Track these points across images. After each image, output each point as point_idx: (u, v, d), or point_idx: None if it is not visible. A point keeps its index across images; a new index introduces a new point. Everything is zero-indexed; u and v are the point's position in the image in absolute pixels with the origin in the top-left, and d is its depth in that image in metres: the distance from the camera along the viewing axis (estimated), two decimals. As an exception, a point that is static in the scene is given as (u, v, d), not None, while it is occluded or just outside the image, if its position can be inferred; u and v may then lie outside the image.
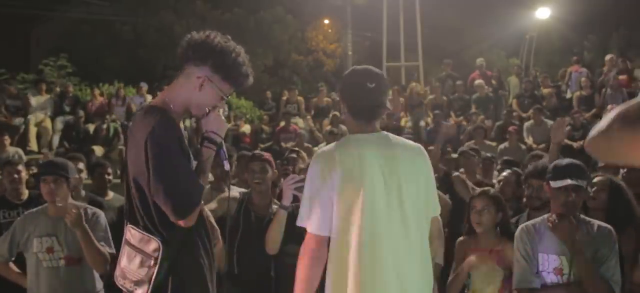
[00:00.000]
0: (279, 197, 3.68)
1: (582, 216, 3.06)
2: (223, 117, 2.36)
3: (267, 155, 3.88)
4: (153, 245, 2.18)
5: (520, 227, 3.18)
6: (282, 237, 3.38)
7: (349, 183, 2.21)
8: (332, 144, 2.38)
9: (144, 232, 2.20)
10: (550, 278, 2.99)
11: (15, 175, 4.15)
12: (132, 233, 2.25)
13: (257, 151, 4.35)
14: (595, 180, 3.57)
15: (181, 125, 2.35)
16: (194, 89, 2.24)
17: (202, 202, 2.25)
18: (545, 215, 3.08)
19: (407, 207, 2.26)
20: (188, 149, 2.20)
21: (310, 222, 2.27)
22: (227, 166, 2.40)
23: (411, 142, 2.44)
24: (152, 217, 2.18)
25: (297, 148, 5.45)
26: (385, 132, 2.38)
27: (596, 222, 3.03)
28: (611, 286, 2.86)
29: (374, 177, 2.23)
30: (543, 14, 21.33)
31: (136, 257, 2.21)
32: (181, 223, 2.13)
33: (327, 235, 2.26)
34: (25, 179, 4.28)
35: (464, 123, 10.99)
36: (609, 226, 2.99)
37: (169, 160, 2.09)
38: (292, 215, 3.39)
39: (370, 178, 2.23)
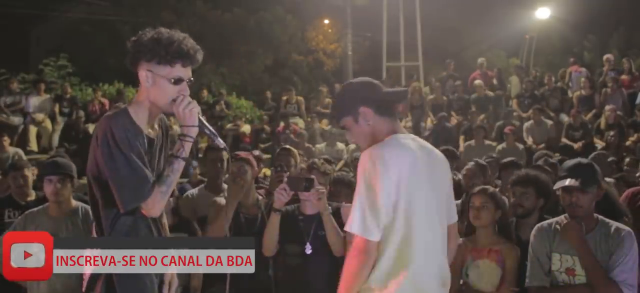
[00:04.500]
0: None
1: (600, 217, 3.01)
2: (191, 105, 2.27)
3: (245, 154, 3.83)
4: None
5: (537, 225, 3.17)
6: (277, 239, 3.38)
7: (408, 187, 2.20)
8: (382, 145, 2.26)
9: (95, 229, 2.33)
10: (562, 278, 2.98)
11: (21, 180, 4.22)
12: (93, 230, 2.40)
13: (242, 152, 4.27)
14: None
15: (155, 126, 2.37)
16: (146, 87, 2.27)
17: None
18: (563, 215, 3.07)
19: (443, 210, 2.35)
20: (139, 147, 2.21)
21: (367, 229, 2.18)
22: (221, 143, 2.39)
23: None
24: (99, 215, 2.26)
25: (288, 147, 5.41)
26: (412, 134, 2.43)
27: (614, 224, 2.97)
28: (622, 290, 2.82)
29: (425, 180, 2.26)
30: (543, 14, 21.30)
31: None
32: (143, 212, 2.21)
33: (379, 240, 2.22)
34: (31, 181, 4.32)
35: (464, 120, 11.03)
36: (627, 228, 2.94)
37: (118, 155, 2.14)
38: (289, 215, 3.40)
39: (426, 183, 2.26)
